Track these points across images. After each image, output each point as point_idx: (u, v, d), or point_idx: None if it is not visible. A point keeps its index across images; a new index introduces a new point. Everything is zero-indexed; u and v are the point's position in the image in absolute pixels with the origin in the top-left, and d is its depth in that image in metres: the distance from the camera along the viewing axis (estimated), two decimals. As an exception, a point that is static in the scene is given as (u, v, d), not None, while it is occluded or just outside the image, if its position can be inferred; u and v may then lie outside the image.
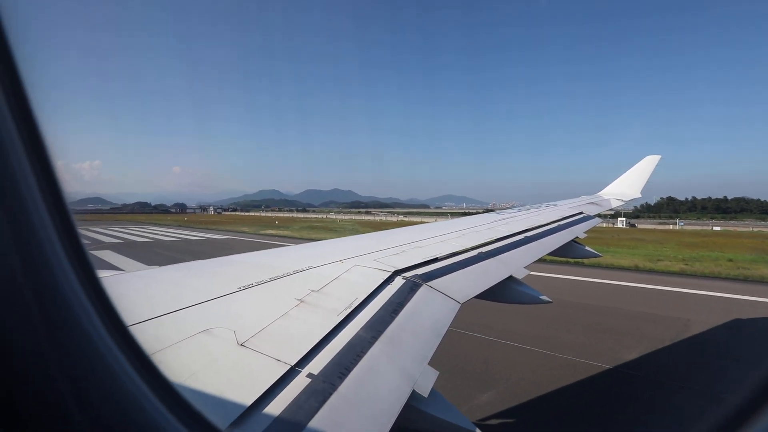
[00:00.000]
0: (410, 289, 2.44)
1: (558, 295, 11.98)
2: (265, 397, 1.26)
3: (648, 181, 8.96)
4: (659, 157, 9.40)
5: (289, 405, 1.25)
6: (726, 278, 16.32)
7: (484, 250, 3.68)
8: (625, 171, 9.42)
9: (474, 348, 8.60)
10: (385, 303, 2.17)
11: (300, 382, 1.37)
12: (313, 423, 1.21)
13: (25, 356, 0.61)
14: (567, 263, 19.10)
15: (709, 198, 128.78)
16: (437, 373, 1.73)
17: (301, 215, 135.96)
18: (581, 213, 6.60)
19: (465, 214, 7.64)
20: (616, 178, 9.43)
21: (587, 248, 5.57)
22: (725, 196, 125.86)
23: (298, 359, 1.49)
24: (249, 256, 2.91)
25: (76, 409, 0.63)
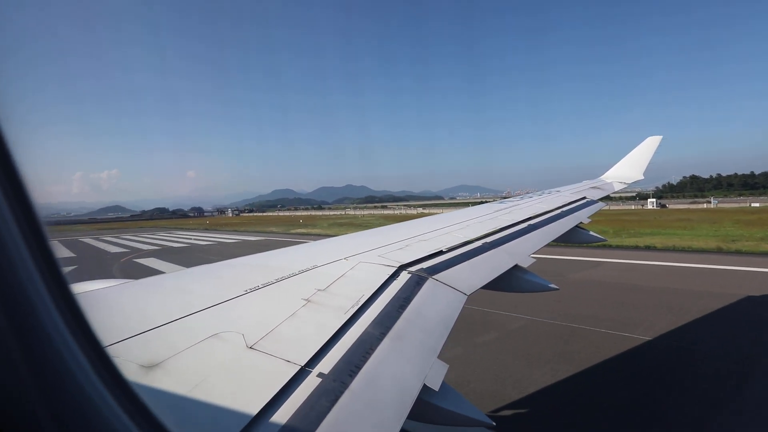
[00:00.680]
0: (416, 283, 2.44)
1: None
2: (278, 399, 1.26)
3: (650, 162, 8.87)
4: (660, 137, 9.31)
5: (301, 405, 1.25)
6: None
7: (488, 241, 3.67)
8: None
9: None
10: (392, 298, 2.17)
11: (311, 382, 1.37)
12: (326, 422, 1.21)
13: None
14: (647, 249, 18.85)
15: (735, 174, 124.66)
16: (447, 366, 1.74)
17: (318, 213, 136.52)
18: (584, 198, 6.57)
19: (481, 203, 7.72)
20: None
21: (591, 233, 5.55)
22: (752, 172, 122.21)
23: (308, 359, 1.50)
24: (253, 258, 2.92)
25: (49, 426, 0.62)
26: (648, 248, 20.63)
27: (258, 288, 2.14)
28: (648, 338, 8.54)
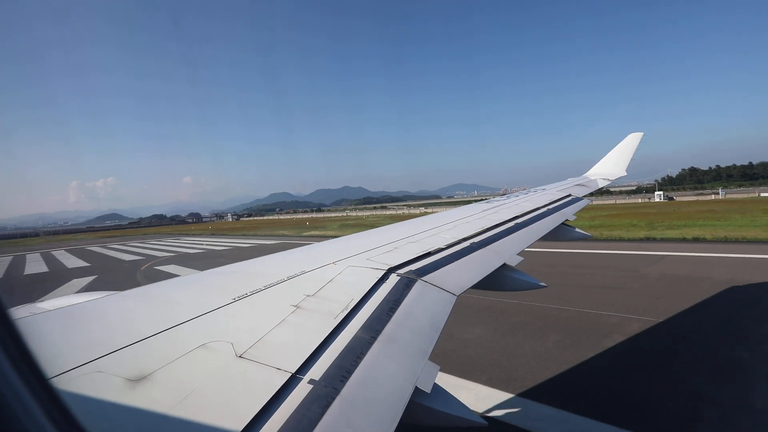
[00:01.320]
0: (405, 285, 2.44)
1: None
2: (269, 407, 1.25)
3: (632, 158, 9.05)
4: (641, 134, 9.53)
5: (293, 413, 1.25)
6: None
7: (476, 241, 3.70)
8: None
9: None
10: (382, 302, 2.17)
11: (302, 389, 1.37)
12: (318, 429, 1.21)
13: None
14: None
15: (734, 165, 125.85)
16: (438, 367, 1.75)
17: (320, 215, 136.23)
18: (569, 195, 6.67)
19: (480, 200, 7.78)
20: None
21: (577, 230, 5.64)
22: (750, 162, 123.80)
23: (299, 366, 1.49)
24: (240, 265, 2.89)
25: None
26: (697, 240, 19.98)
27: (246, 296, 2.12)
28: None
